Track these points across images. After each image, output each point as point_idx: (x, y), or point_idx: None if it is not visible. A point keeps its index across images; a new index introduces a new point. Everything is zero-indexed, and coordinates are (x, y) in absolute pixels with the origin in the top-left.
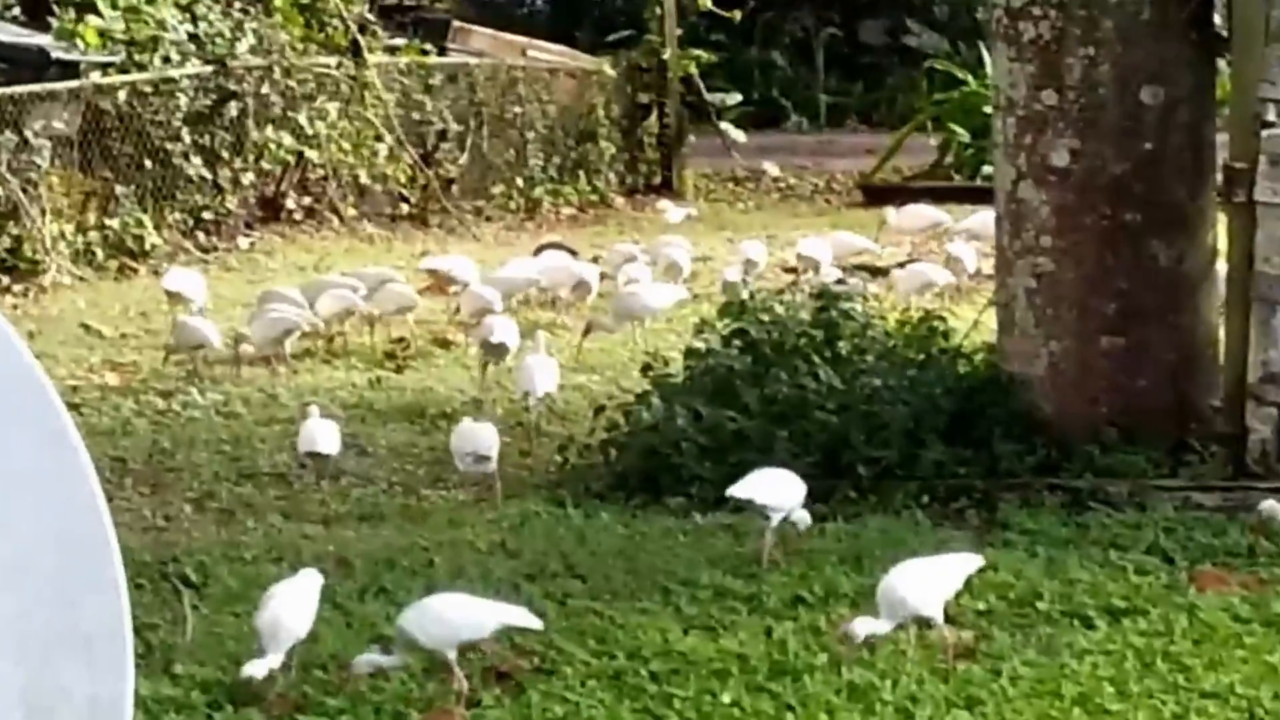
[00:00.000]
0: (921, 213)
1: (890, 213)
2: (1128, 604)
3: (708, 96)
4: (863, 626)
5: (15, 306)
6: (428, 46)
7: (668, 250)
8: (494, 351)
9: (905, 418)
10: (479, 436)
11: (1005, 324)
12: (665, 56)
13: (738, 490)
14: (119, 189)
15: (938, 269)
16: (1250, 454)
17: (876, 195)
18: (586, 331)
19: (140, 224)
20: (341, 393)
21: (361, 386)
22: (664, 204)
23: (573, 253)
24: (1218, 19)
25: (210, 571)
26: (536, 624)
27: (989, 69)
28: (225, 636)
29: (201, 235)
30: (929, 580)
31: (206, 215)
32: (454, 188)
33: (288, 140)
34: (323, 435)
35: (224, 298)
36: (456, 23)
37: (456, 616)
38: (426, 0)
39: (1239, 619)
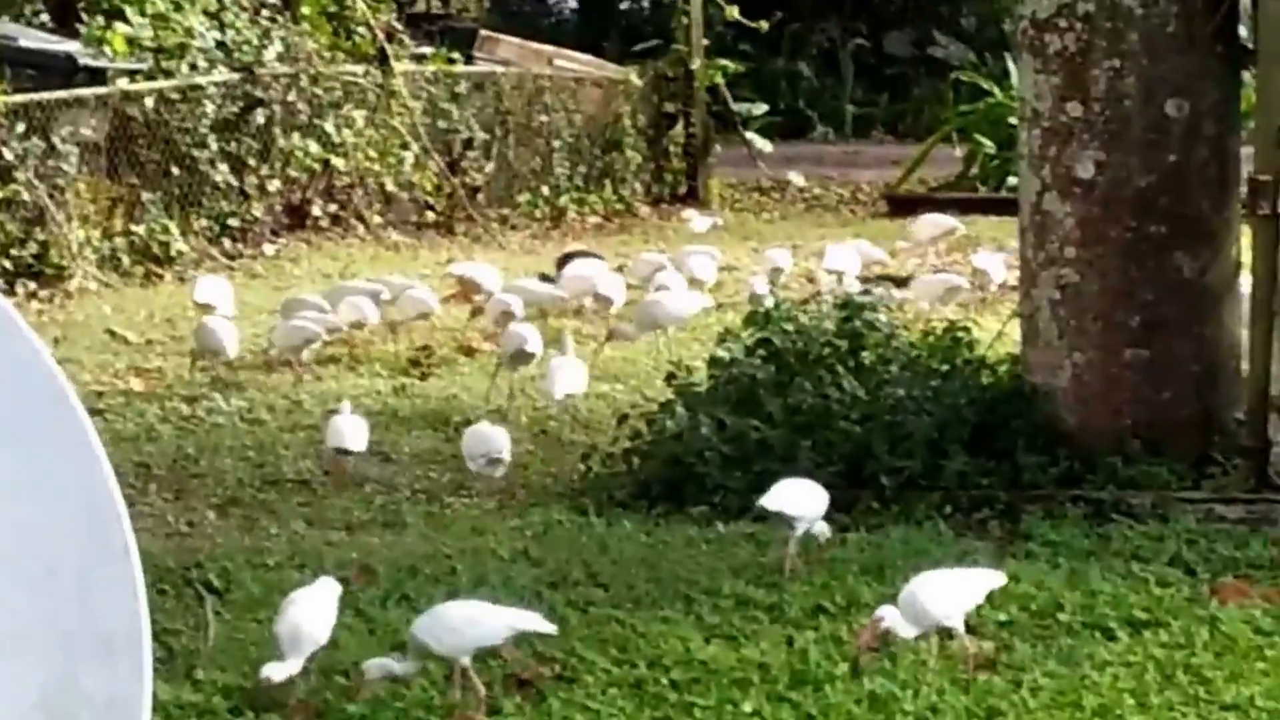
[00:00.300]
0: (936, 221)
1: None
2: (1149, 616)
3: (734, 106)
4: (893, 617)
5: (41, 312)
6: (454, 55)
7: (692, 259)
8: (519, 359)
9: (929, 428)
10: (490, 438)
11: (1029, 335)
12: (692, 66)
13: (768, 501)
14: (145, 195)
15: (956, 277)
16: (1273, 467)
17: (902, 206)
18: (608, 339)
19: (166, 230)
20: (366, 400)
21: (386, 393)
22: (689, 213)
23: (598, 257)
24: (1243, 32)
25: (233, 577)
26: (550, 629)
27: (1014, 80)
28: (247, 642)
29: (227, 242)
30: (950, 590)
31: (233, 222)
32: (480, 196)
33: (314, 148)
34: (351, 431)
35: (249, 305)
36: (484, 32)
37: (469, 624)
38: (454, 9)
39: (1261, 631)
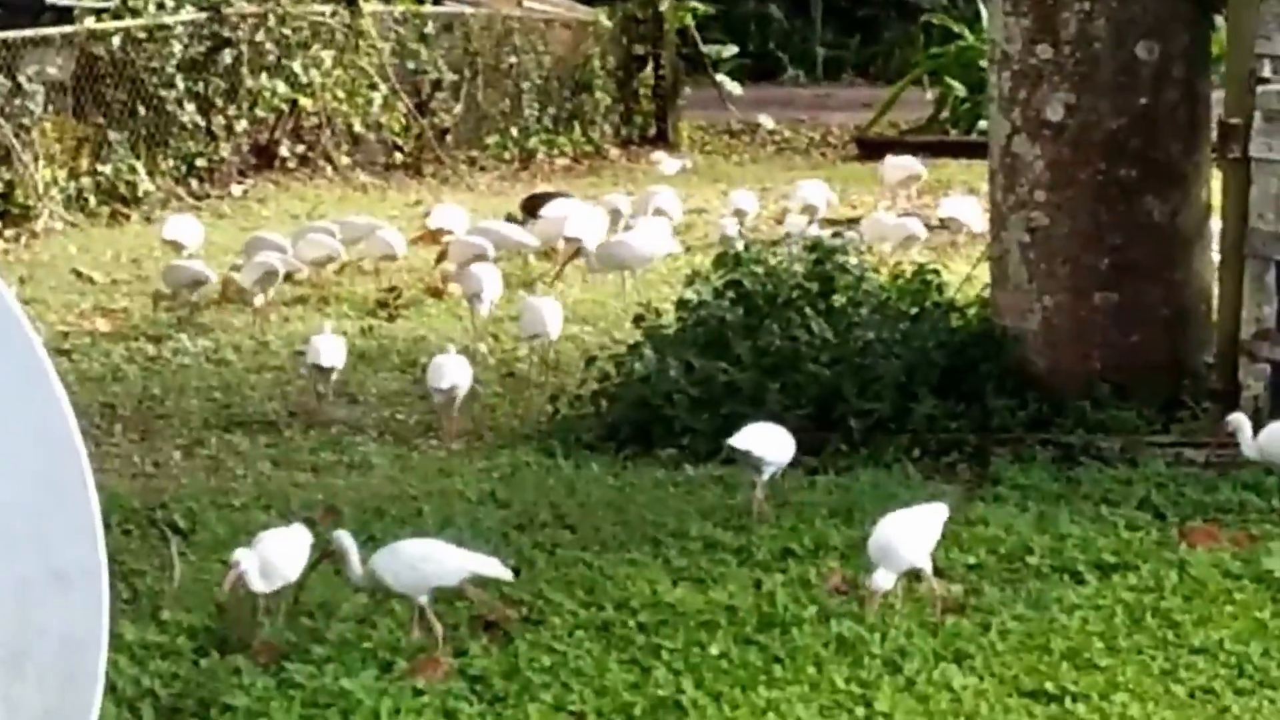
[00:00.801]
0: (902, 164)
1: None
2: (1118, 559)
3: (704, 48)
4: (885, 580)
5: (6, 252)
6: None
7: (658, 197)
8: (476, 300)
9: (898, 371)
10: (447, 369)
11: (999, 278)
12: (661, 8)
13: (737, 441)
14: (112, 135)
15: (912, 222)
16: (1243, 411)
17: (872, 149)
18: (572, 257)
19: (133, 170)
20: None
21: (353, 335)
22: (658, 156)
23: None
24: None
25: (199, 518)
26: (506, 574)
27: (985, 23)
28: (213, 583)
29: (194, 182)
30: (916, 530)
31: (200, 162)
32: (448, 137)
33: (282, 88)
34: (329, 349)
35: (216, 245)
36: None
37: (426, 562)
38: None
39: (1229, 575)
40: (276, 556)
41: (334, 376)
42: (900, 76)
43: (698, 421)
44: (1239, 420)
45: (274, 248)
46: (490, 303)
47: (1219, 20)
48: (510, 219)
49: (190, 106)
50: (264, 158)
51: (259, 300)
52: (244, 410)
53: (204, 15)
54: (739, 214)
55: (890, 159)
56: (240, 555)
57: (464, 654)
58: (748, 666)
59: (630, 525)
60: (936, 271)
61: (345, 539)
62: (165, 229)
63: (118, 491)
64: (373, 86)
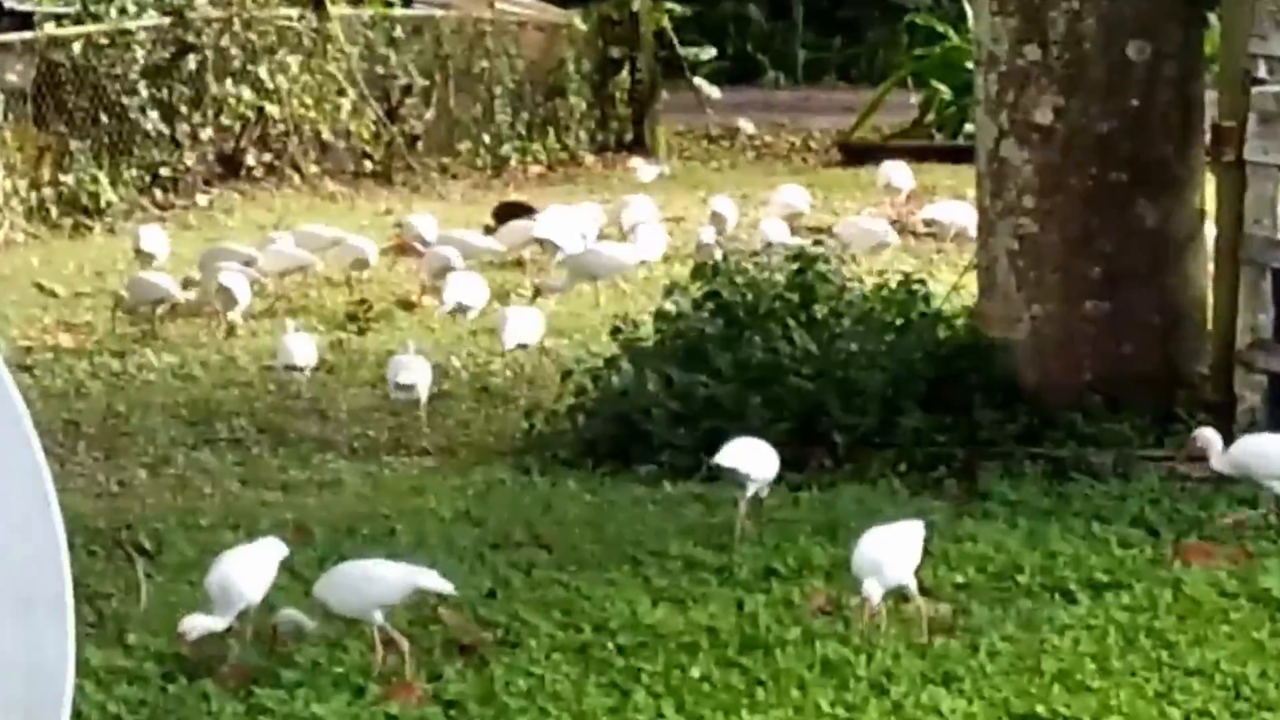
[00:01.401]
0: (895, 170)
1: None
2: (1110, 577)
3: (681, 51)
4: (875, 591)
5: None
6: None
7: (630, 209)
8: (459, 311)
9: (883, 384)
10: (407, 365)
11: (986, 287)
12: (637, 9)
13: (722, 459)
14: (74, 144)
15: (884, 229)
16: (1238, 423)
17: (855, 154)
18: (535, 295)
19: (96, 181)
20: None
21: (322, 349)
22: (636, 162)
23: (531, 210)
24: None
25: (165, 539)
26: (448, 587)
27: (971, 23)
28: (180, 606)
29: (159, 192)
30: (900, 545)
31: (164, 172)
32: (419, 144)
33: (248, 95)
34: (298, 349)
35: (180, 256)
36: None
37: (366, 582)
38: None
39: (1225, 594)
40: (235, 580)
41: (306, 375)
42: (884, 79)
43: (677, 437)
44: (1207, 436)
45: (232, 259)
46: (475, 311)
47: (1212, 19)
48: (488, 231)
49: (154, 114)
50: (230, 166)
51: (235, 316)
52: (211, 427)
53: (167, 20)
54: (716, 217)
55: (887, 164)
56: (186, 625)
57: (438, 678)
58: (730, 689)
59: (608, 544)
60: (922, 281)
61: (289, 621)
62: (141, 240)
63: (82, 511)
64: (341, 92)
